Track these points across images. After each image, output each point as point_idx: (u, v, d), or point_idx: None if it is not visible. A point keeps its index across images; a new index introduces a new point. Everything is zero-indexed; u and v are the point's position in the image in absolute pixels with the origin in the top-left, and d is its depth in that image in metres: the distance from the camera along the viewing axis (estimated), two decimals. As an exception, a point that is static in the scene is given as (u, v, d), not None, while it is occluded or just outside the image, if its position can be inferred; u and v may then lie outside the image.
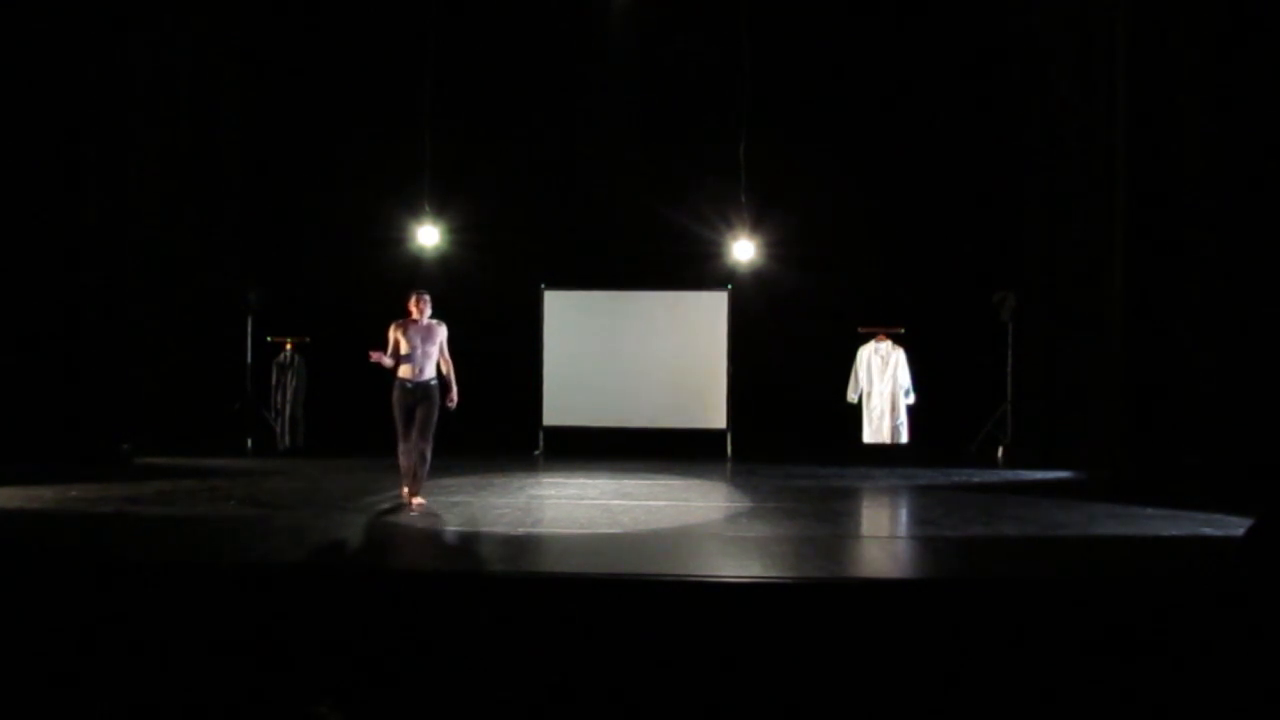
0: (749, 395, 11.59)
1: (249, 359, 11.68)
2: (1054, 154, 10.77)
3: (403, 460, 7.36)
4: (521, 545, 6.07)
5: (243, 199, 12.37)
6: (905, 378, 11.23)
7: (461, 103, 11.90)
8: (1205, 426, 8.38)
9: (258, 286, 11.65)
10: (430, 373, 7.37)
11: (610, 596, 5.02)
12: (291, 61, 12.31)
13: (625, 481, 8.94)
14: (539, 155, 12.20)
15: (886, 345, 11.28)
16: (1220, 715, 4.28)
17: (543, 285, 11.76)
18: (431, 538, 6.32)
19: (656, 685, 4.52)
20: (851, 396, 11.39)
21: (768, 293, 11.67)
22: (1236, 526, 6.11)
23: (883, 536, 6.83)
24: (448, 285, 11.47)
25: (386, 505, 7.46)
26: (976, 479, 9.31)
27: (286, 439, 11.45)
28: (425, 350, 7.33)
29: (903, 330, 11.33)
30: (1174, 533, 6.54)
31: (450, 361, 7.52)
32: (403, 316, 7.42)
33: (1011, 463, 10.50)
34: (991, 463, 10.60)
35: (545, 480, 9.08)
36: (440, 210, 11.51)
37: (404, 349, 7.31)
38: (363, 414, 11.89)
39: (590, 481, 8.92)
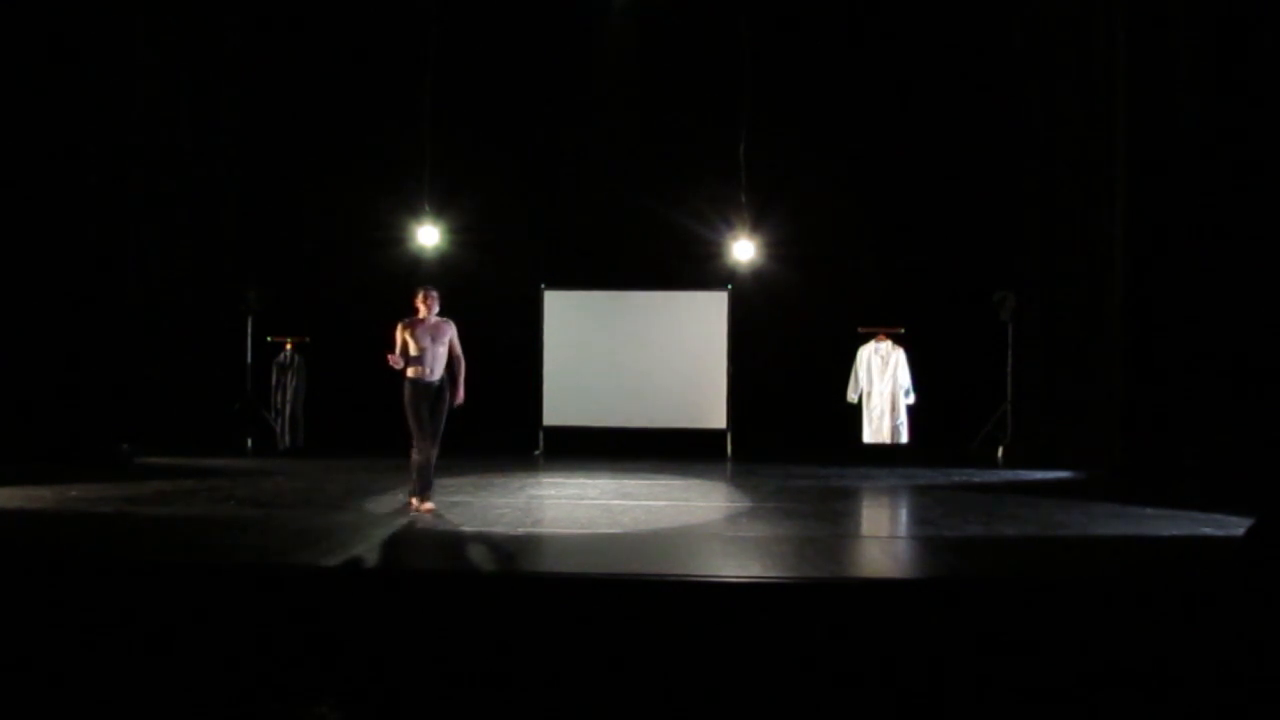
0: (749, 395, 11.60)
1: (249, 359, 11.68)
2: (1054, 153, 10.77)
3: (418, 456, 7.10)
4: (521, 545, 6.07)
5: (243, 199, 12.37)
6: (905, 378, 11.24)
7: (461, 103, 11.90)
8: (1205, 426, 8.38)
9: (258, 286, 11.65)
10: (441, 372, 7.18)
11: (610, 596, 5.02)
12: (292, 61, 12.30)
13: (625, 481, 8.94)
14: (539, 155, 12.20)
15: (886, 345, 11.28)
16: (1221, 715, 4.27)
17: (543, 285, 11.77)
18: (432, 538, 6.31)
19: (657, 685, 4.52)
20: (851, 396, 11.39)
21: (768, 293, 11.67)
22: (1236, 526, 6.11)
23: (883, 536, 6.83)
24: (448, 285, 11.42)
25: (387, 505, 7.46)
26: (976, 479, 9.31)
27: (286, 439, 11.45)
28: (435, 350, 7.13)
29: (903, 330, 11.33)
30: (1174, 533, 6.54)
31: (462, 359, 7.31)
32: (408, 315, 7.20)
33: (1011, 463, 10.50)
34: (991, 463, 10.60)
35: (545, 480, 9.08)
36: (440, 210, 11.51)
37: (413, 349, 7.08)
38: (363, 414, 11.93)
39: (590, 481, 8.92)
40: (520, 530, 6.49)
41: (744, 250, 11.31)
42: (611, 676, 4.57)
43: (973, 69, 11.68)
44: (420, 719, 4.48)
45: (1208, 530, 6.57)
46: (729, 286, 11.62)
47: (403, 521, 6.79)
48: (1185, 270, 8.61)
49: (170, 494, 7.92)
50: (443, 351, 7.19)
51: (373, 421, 11.87)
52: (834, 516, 7.28)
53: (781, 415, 11.79)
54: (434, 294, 7.24)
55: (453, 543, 6.18)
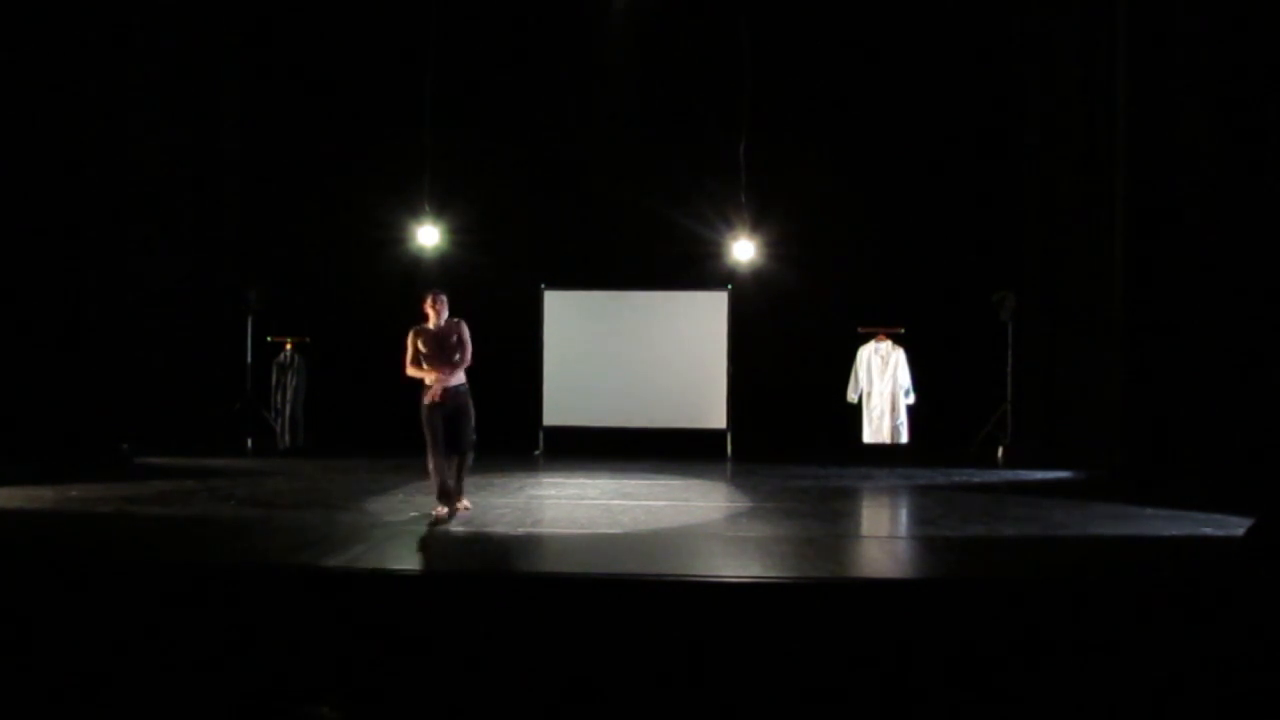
0: (749, 395, 11.59)
1: (249, 359, 11.68)
2: (1054, 154, 10.77)
3: (435, 476, 6.80)
4: (521, 545, 6.07)
5: (243, 199, 12.38)
6: (905, 378, 11.23)
7: (461, 103, 11.90)
8: (1205, 426, 8.38)
9: (258, 286, 11.65)
10: (459, 378, 6.92)
11: (610, 596, 5.02)
12: (291, 61, 12.31)
13: (625, 481, 8.94)
14: (539, 155, 12.19)
15: (886, 345, 11.28)
16: (1221, 715, 4.27)
17: (543, 285, 11.77)
18: (432, 538, 6.31)
19: (657, 685, 4.52)
20: (851, 396, 11.39)
21: (768, 293, 11.67)
22: (1236, 526, 6.10)
23: (883, 536, 6.83)
24: (448, 285, 11.40)
25: (387, 505, 7.47)
26: (976, 479, 9.31)
27: (286, 439, 11.45)
28: (448, 355, 6.87)
29: (903, 330, 11.33)
30: (1174, 533, 6.54)
31: (468, 360, 6.97)
32: (414, 317, 6.98)
33: (1011, 463, 10.50)
34: (991, 463, 10.60)
35: (545, 480, 9.08)
36: (440, 210, 11.51)
37: (425, 357, 6.85)
38: (362, 414, 11.94)
39: (590, 481, 8.92)
40: (520, 530, 6.49)
41: (744, 250, 11.31)
42: (611, 676, 4.57)
43: (973, 69, 11.68)
44: (420, 719, 4.48)
45: (1208, 530, 6.57)
46: (729, 286, 11.62)
47: (403, 521, 6.78)
48: (1185, 270, 8.61)
49: (170, 494, 7.91)
50: (466, 358, 6.94)
51: (373, 421, 11.91)
52: (834, 516, 7.28)
53: (781, 415, 11.79)
54: (442, 297, 6.95)
55: (453, 543, 6.18)
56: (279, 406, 11.50)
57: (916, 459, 10.76)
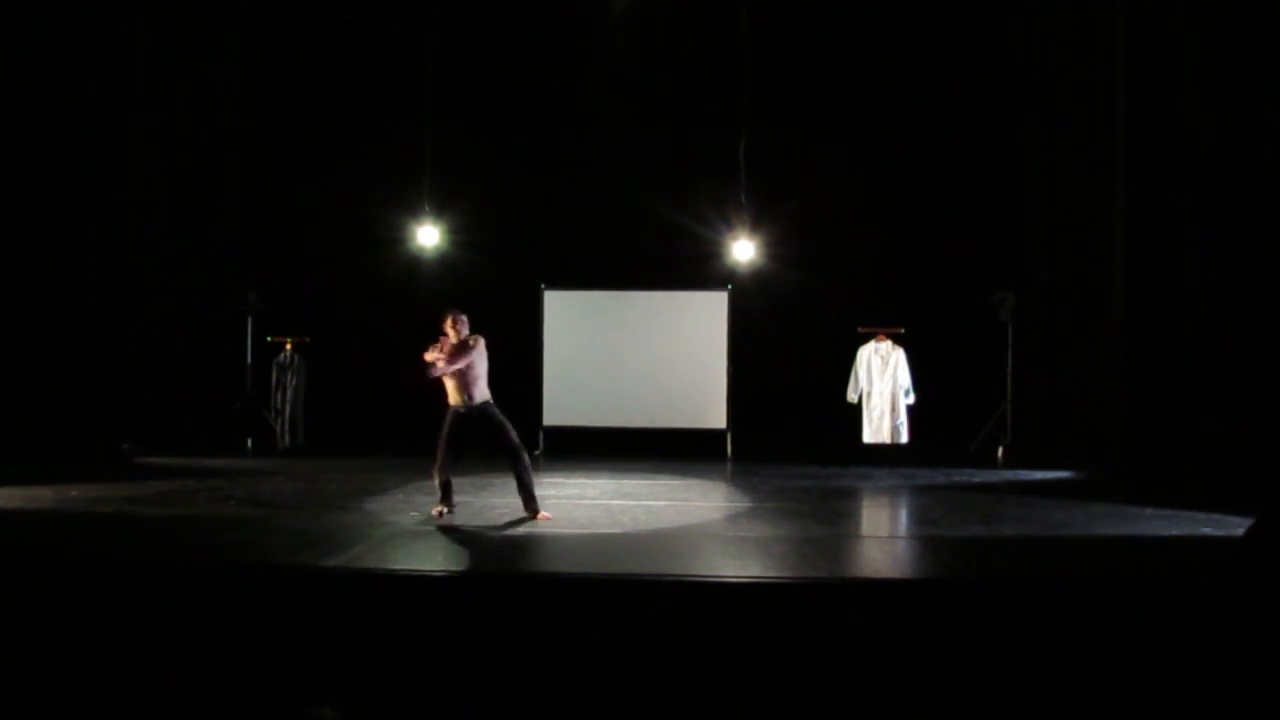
0: (749, 395, 11.59)
1: (249, 359, 11.68)
2: (1054, 154, 10.77)
3: (437, 475, 6.91)
4: (521, 545, 6.07)
5: (243, 199, 12.38)
6: (905, 378, 11.23)
7: (461, 103, 11.90)
8: (1205, 426, 8.38)
9: (258, 286, 11.65)
10: (482, 395, 6.91)
11: (610, 596, 5.02)
12: (292, 61, 12.31)
13: (625, 481, 8.94)
14: (539, 155, 12.20)
15: (886, 345, 11.28)
16: (1221, 715, 4.27)
17: (543, 285, 11.77)
18: (432, 538, 6.31)
19: (657, 685, 4.52)
20: (851, 396, 11.39)
21: (768, 293, 11.67)
22: (1236, 526, 6.11)
23: (883, 536, 6.83)
24: (448, 285, 11.50)
25: (387, 505, 7.47)
26: (976, 479, 9.31)
27: (286, 439, 11.45)
28: (469, 375, 6.83)
29: (903, 330, 11.33)
30: (1174, 533, 6.54)
31: (478, 375, 6.95)
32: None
33: (1011, 463, 10.50)
34: (991, 463, 10.59)
35: (545, 480, 9.06)
36: (440, 210, 11.51)
37: (447, 376, 6.86)
38: (363, 414, 11.94)
39: (590, 481, 8.92)
40: (520, 530, 6.49)
41: (744, 250, 11.31)
42: (612, 676, 4.56)
43: (973, 69, 11.68)
44: (420, 719, 4.48)
45: (1208, 530, 6.57)
46: (729, 286, 11.62)
47: (403, 521, 6.79)
48: (1185, 270, 8.61)
49: (170, 494, 7.92)
50: (480, 373, 6.91)
51: (373, 422, 11.91)
52: (834, 516, 7.27)
53: (781, 415, 11.78)
54: (462, 317, 6.94)
55: (453, 543, 6.18)
56: (279, 406, 11.50)
57: (916, 459, 10.76)
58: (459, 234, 11.63)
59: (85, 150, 9.95)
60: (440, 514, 6.84)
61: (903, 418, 11.28)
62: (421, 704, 4.48)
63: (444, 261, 11.59)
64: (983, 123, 11.67)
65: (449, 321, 6.94)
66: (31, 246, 9.65)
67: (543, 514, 6.86)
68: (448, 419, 6.95)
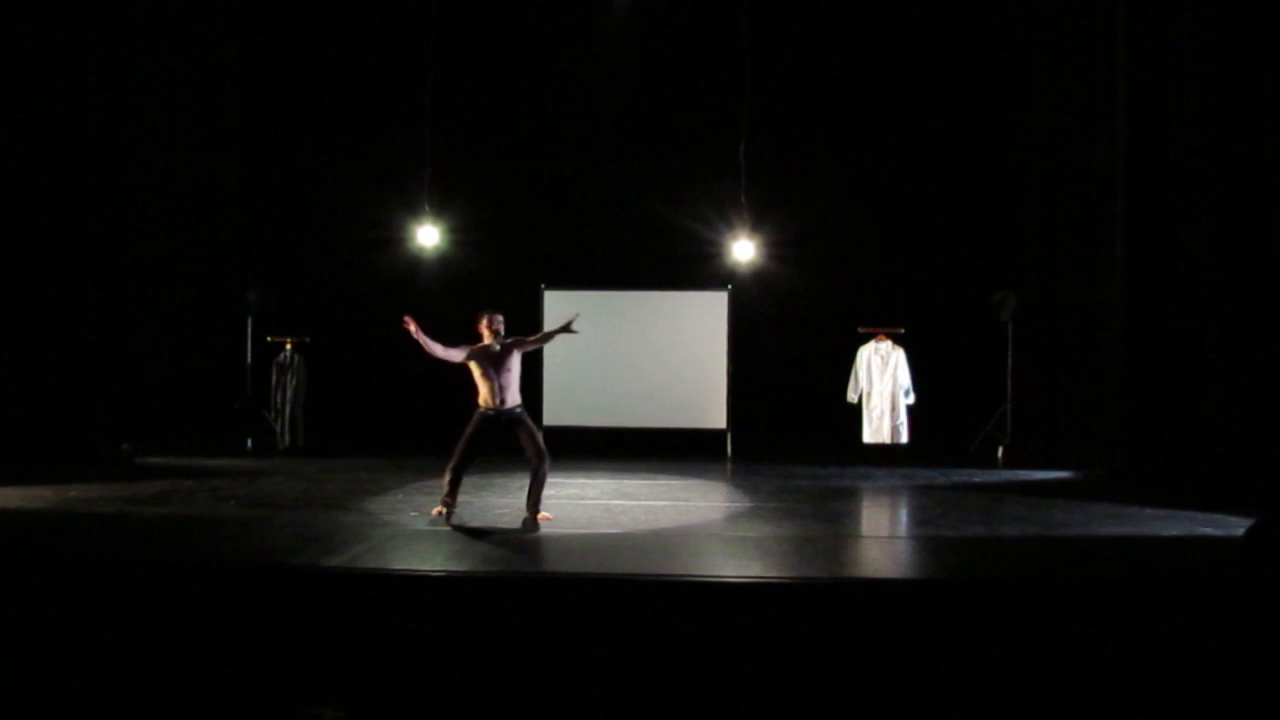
0: (749, 395, 11.58)
1: (249, 359, 11.68)
2: (1054, 154, 10.77)
3: (447, 473, 6.71)
4: (521, 545, 6.07)
5: (243, 199, 12.37)
6: (905, 378, 11.23)
7: (461, 103, 11.90)
8: (1205, 427, 8.38)
9: (258, 286, 11.64)
10: (513, 400, 6.74)
11: (610, 596, 5.02)
12: (292, 61, 12.31)
13: (625, 481, 8.94)
14: (539, 155, 12.19)
15: (886, 345, 11.27)
16: (1221, 715, 4.28)
17: (543, 285, 11.76)
18: (432, 538, 6.31)
19: (656, 685, 4.52)
20: (851, 396, 11.38)
21: (768, 293, 11.67)
22: (1236, 526, 6.11)
23: (883, 536, 6.83)
24: (448, 285, 11.51)
25: (387, 505, 7.46)
26: (976, 479, 9.31)
27: (286, 439, 11.44)
28: (503, 379, 6.67)
29: (903, 330, 11.33)
30: (1174, 533, 6.54)
31: (539, 341, 6.98)
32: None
33: (1011, 463, 10.49)
34: (991, 463, 10.59)
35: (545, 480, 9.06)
36: (440, 210, 11.51)
37: (478, 377, 6.73)
38: (363, 414, 11.93)
39: (590, 481, 8.91)
40: (520, 530, 6.49)
41: (744, 250, 11.30)
42: (612, 676, 4.57)
43: (973, 68, 11.69)
44: (419, 719, 4.48)
45: (1208, 530, 6.57)
46: (729, 286, 11.62)
47: (403, 521, 6.79)
48: (1185, 271, 8.61)
49: (170, 494, 7.91)
50: (513, 379, 6.76)
51: (373, 421, 11.90)
52: (834, 516, 7.27)
53: (781, 415, 11.78)
54: (498, 318, 6.72)
55: (453, 543, 6.18)
56: (279, 406, 11.49)
57: (916, 459, 10.75)
58: (459, 234, 11.62)
59: (85, 149, 9.94)
60: (440, 514, 6.83)
61: (903, 418, 11.28)
62: (422, 704, 4.48)
63: (444, 261, 11.58)
64: (983, 122, 11.67)
65: (484, 322, 6.74)
66: (31, 246, 9.64)
67: (543, 514, 6.84)
68: (474, 420, 6.77)
